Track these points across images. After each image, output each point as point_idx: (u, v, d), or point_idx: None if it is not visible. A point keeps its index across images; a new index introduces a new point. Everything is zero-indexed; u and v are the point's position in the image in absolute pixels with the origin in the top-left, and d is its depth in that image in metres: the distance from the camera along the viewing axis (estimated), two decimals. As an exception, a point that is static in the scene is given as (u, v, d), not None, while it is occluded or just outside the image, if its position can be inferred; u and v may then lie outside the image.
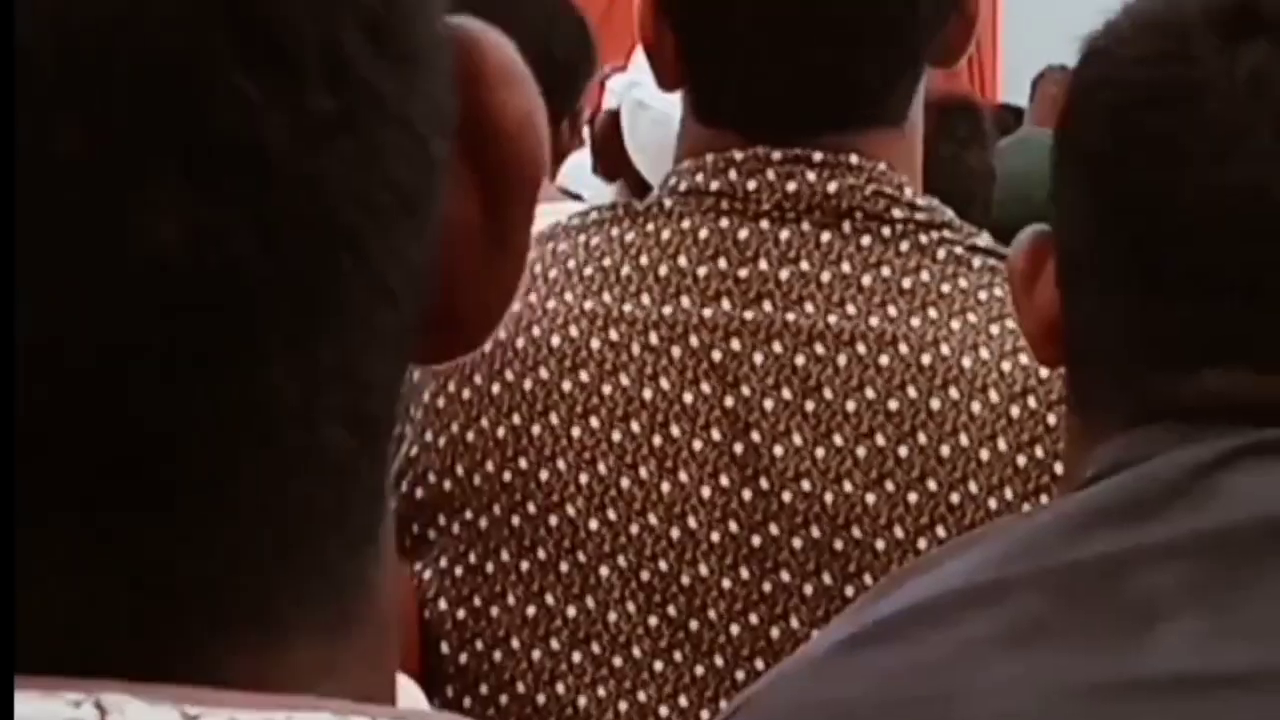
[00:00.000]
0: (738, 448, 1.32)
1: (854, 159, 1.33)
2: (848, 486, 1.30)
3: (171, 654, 0.37)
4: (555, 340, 1.35)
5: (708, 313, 1.33)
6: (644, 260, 1.35)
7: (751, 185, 1.34)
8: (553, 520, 1.34)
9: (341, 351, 0.38)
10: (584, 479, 1.34)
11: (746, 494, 1.32)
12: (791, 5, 1.31)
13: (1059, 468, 1.27)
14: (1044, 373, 1.29)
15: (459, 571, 1.36)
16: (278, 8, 0.35)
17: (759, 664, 1.31)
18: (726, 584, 1.32)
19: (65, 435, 0.36)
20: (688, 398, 1.33)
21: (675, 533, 1.33)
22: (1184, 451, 0.91)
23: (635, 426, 1.33)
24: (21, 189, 0.34)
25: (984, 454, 1.30)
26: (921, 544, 1.29)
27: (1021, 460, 1.29)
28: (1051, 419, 1.29)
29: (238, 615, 0.38)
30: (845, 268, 1.33)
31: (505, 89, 0.41)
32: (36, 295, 0.35)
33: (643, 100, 2.18)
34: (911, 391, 1.31)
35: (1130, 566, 0.88)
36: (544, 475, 1.34)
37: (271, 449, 0.38)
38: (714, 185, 1.35)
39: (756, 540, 1.32)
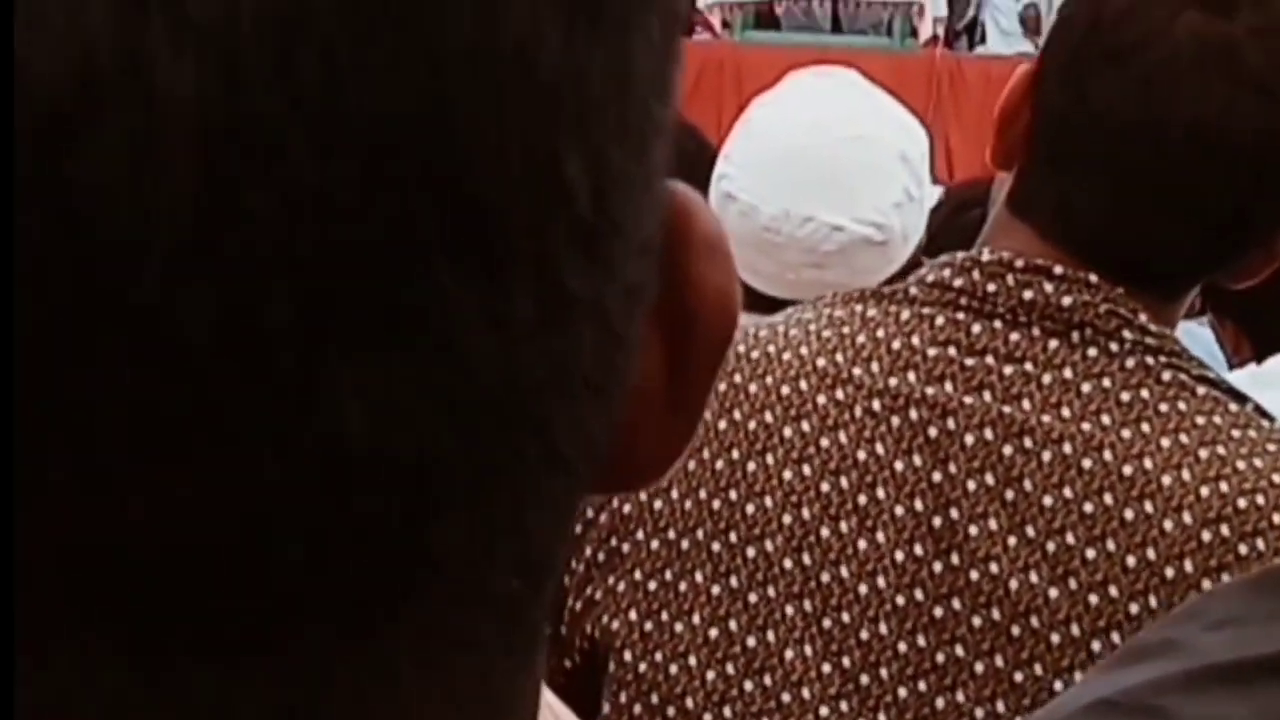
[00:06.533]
0: (936, 521, 1.40)
1: (1092, 278, 1.42)
2: (1033, 577, 1.38)
3: None
4: (785, 390, 1.43)
5: (930, 390, 1.42)
6: (880, 333, 1.44)
7: (991, 288, 1.43)
8: (750, 552, 1.42)
9: (513, 512, 0.39)
10: (787, 520, 1.41)
11: (937, 566, 1.40)
12: (1144, 167, 1.40)
13: (1247, 595, 1.35)
14: (1241, 502, 1.37)
15: (652, 586, 1.44)
16: (494, 220, 0.35)
17: (919, 727, 1.38)
18: (902, 647, 1.40)
19: (200, 586, 0.36)
20: (899, 465, 1.41)
21: (863, 589, 1.40)
22: None
23: (844, 482, 1.41)
24: (220, 349, 0.34)
25: (1169, 571, 1.37)
26: (1095, 646, 1.37)
27: (1206, 585, 1.37)
28: (1243, 548, 1.37)
29: None
30: (1067, 373, 1.41)
31: (707, 261, 0.42)
32: (203, 454, 0.34)
33: (730, 192, 2.26)
34: (1108, 498, 1.38)
35: None
36: (750, 509, 1.42)
37: (434, 593, 0.38)
38: (957, 282, 1.44)
39: (939, 611, 1.39)
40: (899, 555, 1.40)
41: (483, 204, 0.35)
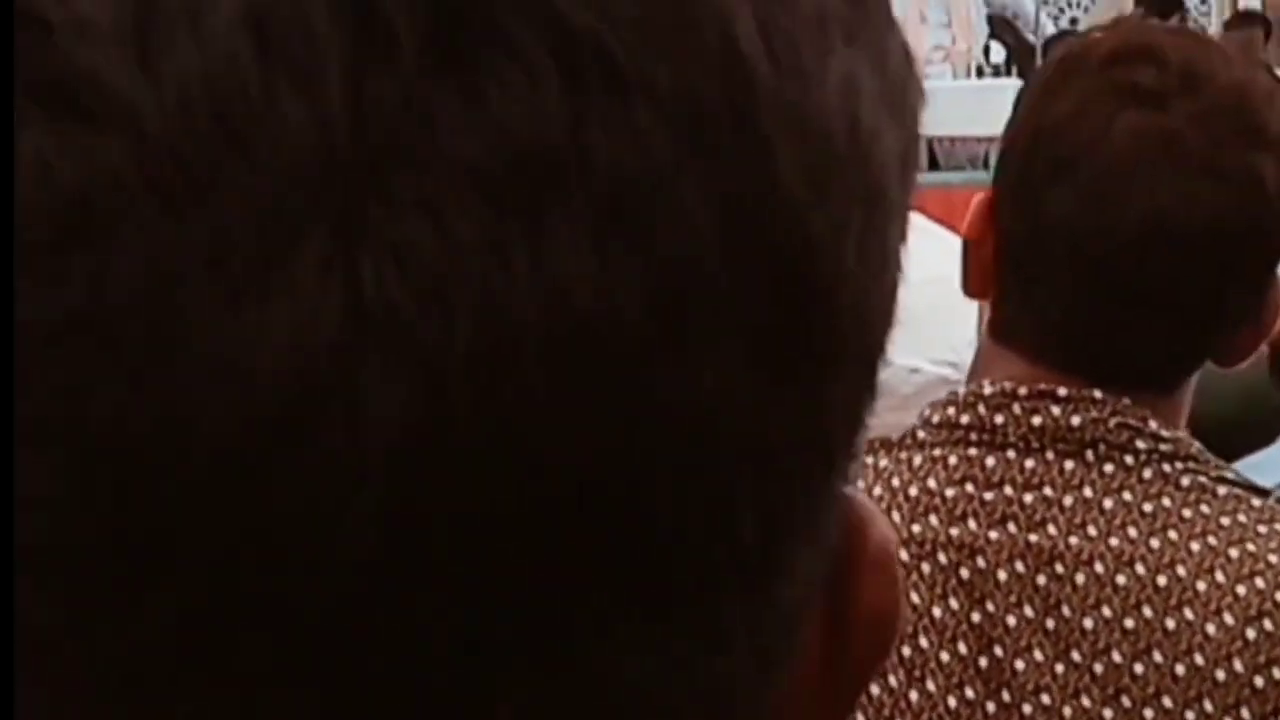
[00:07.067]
0: (982, 661, 1.39)
1: (1097, 394, 1.42)
2: (1085, 701, 1.37)
3: None
4: None
5: (955, 531, 1.42)
6: (895, 482, 1.44)
7: (999, 419, 1.43)
8: None
9: None
10: None
11: (990, 706, 1.39)
12: (1109, 269, 1.41)
13: (1297, 689, 1.33)
14: None
15: None
16: (662, 564, 0.36)
17: None
18: None
19: None
20: (937, 611, 1.41)
21: None
22: None
23: None
24: (388, 659, 0.35)
25: (1220, 674, 1.36)
26: (1157, 759, 1.36)
27: (1259, 681, 1.35)
28: None
29: None
30: (1087, 492, 1.41)
31: (874, 580, 0.42)
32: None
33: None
34: (1147, 611, 1.38)
35: None
36: None
37: None
38: (964, 419, 1.44)
39: None
40: (951, 701, 1.40)
41: (652, 549, 0.36)
